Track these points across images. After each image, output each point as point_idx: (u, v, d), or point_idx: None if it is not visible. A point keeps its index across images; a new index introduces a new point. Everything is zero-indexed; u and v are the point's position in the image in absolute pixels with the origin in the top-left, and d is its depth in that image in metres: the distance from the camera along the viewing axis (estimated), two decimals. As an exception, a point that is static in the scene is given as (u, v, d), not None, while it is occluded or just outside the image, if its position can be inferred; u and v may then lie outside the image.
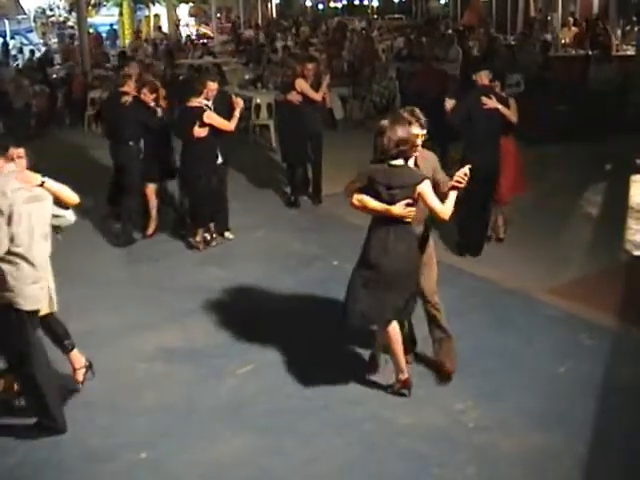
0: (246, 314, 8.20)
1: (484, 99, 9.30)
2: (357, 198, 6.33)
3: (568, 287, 8.67)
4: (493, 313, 8.10)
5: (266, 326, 7.89)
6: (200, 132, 9.95)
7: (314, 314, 8.17)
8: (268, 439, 6.04)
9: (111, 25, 35.17)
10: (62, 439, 6.09)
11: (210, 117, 9.95)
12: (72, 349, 6.68)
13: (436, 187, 6.36)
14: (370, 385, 6.75)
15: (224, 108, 10.19)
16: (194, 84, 10.31)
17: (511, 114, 9.51)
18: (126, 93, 10.71)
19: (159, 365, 7.17)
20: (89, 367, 6.77)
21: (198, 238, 10.32)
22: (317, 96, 11.88)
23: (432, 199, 6.19)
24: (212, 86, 10.11)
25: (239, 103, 10.27)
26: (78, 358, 6.72)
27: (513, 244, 10.00)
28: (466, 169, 6.22)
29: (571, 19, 28.30)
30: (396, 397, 6.54)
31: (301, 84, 11.71)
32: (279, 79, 19.58)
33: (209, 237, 10.44)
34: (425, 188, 6.17)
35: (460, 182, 6.21)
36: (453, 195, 6.25)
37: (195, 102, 10.00)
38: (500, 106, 9.37)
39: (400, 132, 6.15)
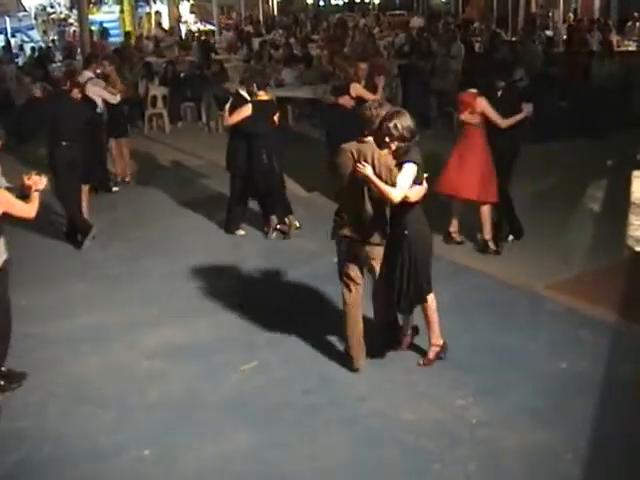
0: (248, 310, 8.22)
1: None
2: None
3: (569, 283, 8.68)
4: (494, 309, 8.12)
5: (269, 322, 7.92)
6: (275, 124, 10.32)
7: (316, 310, 8.20)
8: (272, 435, 6.08)
9: (101, 23, 35.04)
10: (66, 435, 6.13)
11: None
12: None
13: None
14: (374, 382, 6.78)
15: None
16: (260, 78, 10.46)
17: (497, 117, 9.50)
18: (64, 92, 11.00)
19: (163, 361, 7.20)
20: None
21: (289, 225, 10.64)
22: (376, 98, 11.84)
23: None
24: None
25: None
26: None
27: (515, 241, 10.00)
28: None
29: (572, 15, 28.31)
30: (399, 393, 6.57)
31: (357, 89, 11.50)
32: (280, 76, 19.72)
33: (279, 226, 10.65)
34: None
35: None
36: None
37: (265, 96, 10.32)
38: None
39: (407, 127, 6.39)
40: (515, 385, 6.62)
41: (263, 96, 10.31)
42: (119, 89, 13.26)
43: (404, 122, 6.39)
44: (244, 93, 10.48)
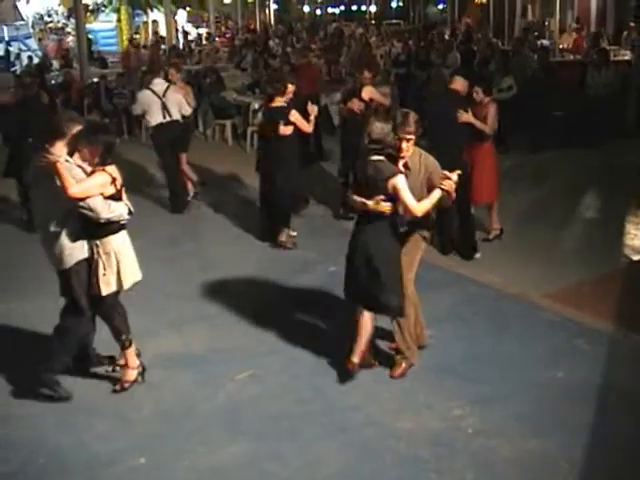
0: (244, 320, 8.20)
1: (460, 113, 9.42)
2: (348, 194, 6.76)
3: (566, 292, 8.67)
4: (491, 318, 8.11)
5: (266, 332, 7.90)
6: (286, 130, 10.25)
7: (312, 320, 8.18)
8: (267, 444, 6.05)
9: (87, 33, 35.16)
10: (61, 445, 6.12)
11: (295, 116, 10.28)
12: None
13: (430, 190, 6.57)
14: (369, 390, 6.76)
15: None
16: (275, 84, 10.60)
17: (483, 126, 9.64)
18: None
19: (158, 371, 7.16)
20: None
21: (284, 237, 10.47)
22: (387, 102, 11.95)
23: (405, 194, 6.38)
24: (291, 88, 10.37)
25: (314, 109, 10.48)
26: None
27: (511, 249, 10.02)
28: (454, 175, 6.45)
29: (575, 24, 28.37)
30: (395, 402, 6.56)
31: (371, 91, 11.55)
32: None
33: (294, 234, 10.58)
34: (398, 183, 6.36)
35: (444, 185, 6.43)
36: (434, 195, 6.48)
37: (279, 102, 10.32)
38: (473, 120, 9.56)
39: (375, 131, 6.44)
40: (512, 394, 6.61)
41: (277, 102, 10.36)
42: (190, 98, 13.02)
43: (370, 133, 6.50)
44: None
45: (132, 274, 6.69)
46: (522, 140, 15.45)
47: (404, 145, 6.61)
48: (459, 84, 9.71)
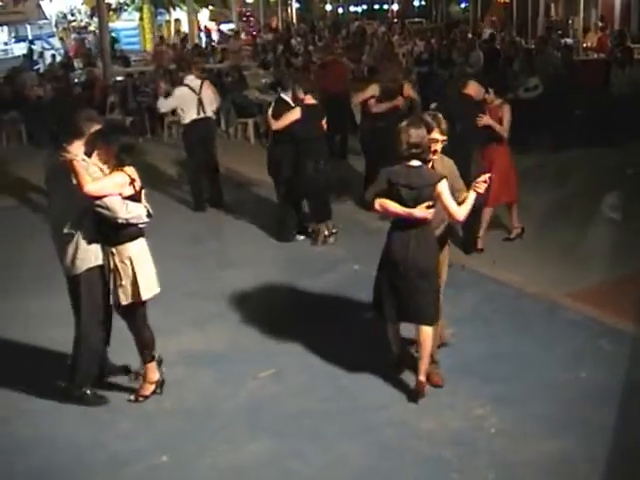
0: (267, 318, 8.22)
1: (480, 117, 9.49)
2: (379, 202, 6.43)
3: (587, 292, 8.62)
4: (513, 318, 8.09)
5: (288, 330, 7.90)
6: (323, 128, 10.38)
7: (336, 319, 8.17)
8: (289, 443, 6.07)
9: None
10: (82, 442, 6.15)
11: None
12: None
13: (452, 194, 6.48)
14: (392, 390, 6.75)
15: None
16: (306, 83, 10.70)
17: (502, 129, 9.68)
18: None
19: (180, 369, 7.19)
20: None
21: (326, 232, 10.54)
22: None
23: (449, 199, 6.34)
24: None
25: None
26: None
27: (534, 249, 9.98)
28: (486, 176, 6.40)
29: (600, 23, 28.23)
30: (417, 402, 6.56)
31: (409, 89, 11.70)
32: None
33: (328, 232, 10.56)
34: (443, 188, 6.31)
35: (479, 187, 6.39)
36: (471, 198, 6.42)
37: (311, 100, 10.36)
38: (493, 123, 9.59)
39: (414, 135, 6.29)
40: (534, 394, 6.58)
41: (310, 100, 10.34)
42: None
43: (407, 137, 6.38)
44: (287, 98, 10.56)
45: (150, 285, 6.52)
46: (545, 139, 15.37)
47: (437, 147, 6.60)
48: (473, 89, 9.75)
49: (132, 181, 6.33)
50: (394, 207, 6.34)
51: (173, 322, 8.03)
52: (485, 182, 6.40)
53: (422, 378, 6.59)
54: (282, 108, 10.44)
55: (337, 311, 8.36)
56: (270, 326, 8.04)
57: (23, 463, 5.93)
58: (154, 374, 6.77)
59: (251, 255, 10.32)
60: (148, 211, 6.44)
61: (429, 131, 6.46)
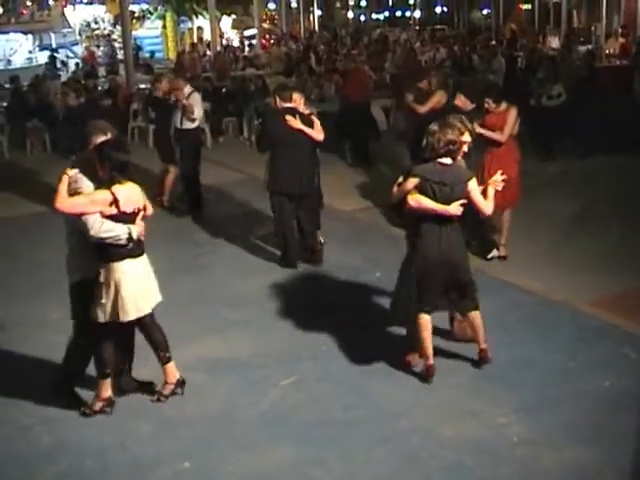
0: (289, 325, 8.22)
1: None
2: (414, 198, 6.66)
3: (611, 300, 8.57)
4: (536, 325, 8.04)
5: (307, 338, 7.91)
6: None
7: (358, 326, 8.15)
8: (310, 450, 6.06)
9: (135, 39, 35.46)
10: (106, 447, 6.16)
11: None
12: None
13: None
14: (414, 397, 6.74)
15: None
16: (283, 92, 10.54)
17: (494, 134, 9.70)
18: None
19: (201, 376, 7.20)
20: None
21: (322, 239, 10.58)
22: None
23: (479, 195, 6.71)
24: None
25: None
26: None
27: (557, 256, 9.92)
28: (499, 175, 6.82)
29: (620, 29, 28.13)
30: (440, 409, 6.53)
31: (442, 95, 11.66)
32: (323, 90, 19.81)
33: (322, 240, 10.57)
34: (474, 185, 6.68)
35: (498, 185, 6.82)
36: (491, 195, 6.80)
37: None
38: (482, 130, 9.43)
39: (450, 133, 6.61)
40: (557, 402, 6.55)
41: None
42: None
43: (444, 135, 6.68)
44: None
45: (134, 308, 6.37)
46: (568, 146, 15.32)
47: (465, 149, 6.85)
48: (460, 101, 10.34)
49: (115, 201, 6.17)
50: (430, 203, 6.59)
51: (193, 328, 8.06)
52: (503, 181, 6.81)
53: (484, 346, 7.04)
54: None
55: (358, 318, 8.33)
56: (291, 333, 8.05)
57: (49, 470, 5.95)
58: (173, 375, 6.82)
59: (269, 262, 10.30)
60: (130, 234, 6.24)
61: (461, 133, 6.72)
